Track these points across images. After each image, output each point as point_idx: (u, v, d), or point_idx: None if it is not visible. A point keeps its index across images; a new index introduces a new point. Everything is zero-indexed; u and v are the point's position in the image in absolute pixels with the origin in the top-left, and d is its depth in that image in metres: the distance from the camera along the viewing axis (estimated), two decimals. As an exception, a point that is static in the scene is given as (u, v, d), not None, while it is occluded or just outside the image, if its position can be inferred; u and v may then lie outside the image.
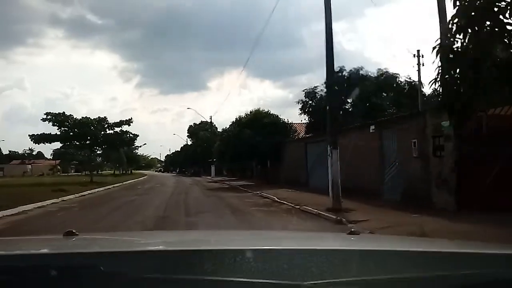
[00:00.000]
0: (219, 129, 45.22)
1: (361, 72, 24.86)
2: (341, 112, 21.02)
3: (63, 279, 1.03)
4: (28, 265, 1.11)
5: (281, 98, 76.63)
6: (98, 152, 38.60)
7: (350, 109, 24.08)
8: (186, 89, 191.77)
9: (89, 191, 21.83)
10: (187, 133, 73.63)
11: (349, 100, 24.01)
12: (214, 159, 40.39)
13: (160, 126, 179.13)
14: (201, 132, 61.92)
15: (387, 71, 24.85)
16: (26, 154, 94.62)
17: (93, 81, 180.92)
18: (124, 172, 67.63)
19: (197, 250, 1.34)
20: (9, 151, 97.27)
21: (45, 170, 73.77)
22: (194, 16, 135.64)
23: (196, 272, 1.06)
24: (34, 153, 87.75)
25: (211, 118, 52.91)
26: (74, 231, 1.63)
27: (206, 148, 48.87)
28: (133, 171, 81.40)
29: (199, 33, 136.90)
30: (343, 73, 24.61)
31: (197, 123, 68.59)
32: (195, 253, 1.26)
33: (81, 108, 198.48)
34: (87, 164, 47.49)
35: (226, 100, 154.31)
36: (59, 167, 78.17)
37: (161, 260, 1.17)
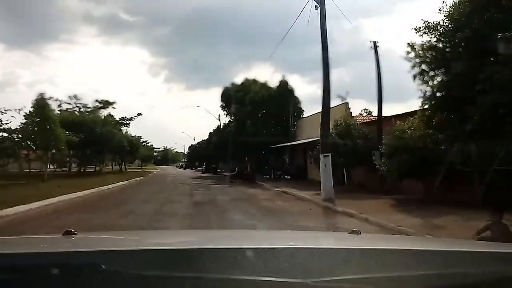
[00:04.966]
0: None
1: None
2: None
3: (63, 278, 1.01)
4: (27, 264, 1.09)
5: (309, 93, 74.97)
6: None
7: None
8: (213, 84, 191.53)
9: None
10: (221, 101, 38.45)
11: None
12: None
13: (187, 121, 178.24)
14: (252, 88, 31.38)
15: None
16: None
17: (122, 77, 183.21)
18: (82, 168, 36.28)
19: (199, 249, 1.32)
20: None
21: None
22: (222, 12, 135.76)
23: (197, 270, 1.04)
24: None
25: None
26: (73, 230, 1.63)
27: (269, 122, 27.65)
28: (141, 167, 62.84)
29: (227, 28, 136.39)
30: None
31: (236, 83, 37.16)
32: (196, 252, 1.24)
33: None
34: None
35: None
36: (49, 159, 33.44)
37: (162, 258, 1.15)
